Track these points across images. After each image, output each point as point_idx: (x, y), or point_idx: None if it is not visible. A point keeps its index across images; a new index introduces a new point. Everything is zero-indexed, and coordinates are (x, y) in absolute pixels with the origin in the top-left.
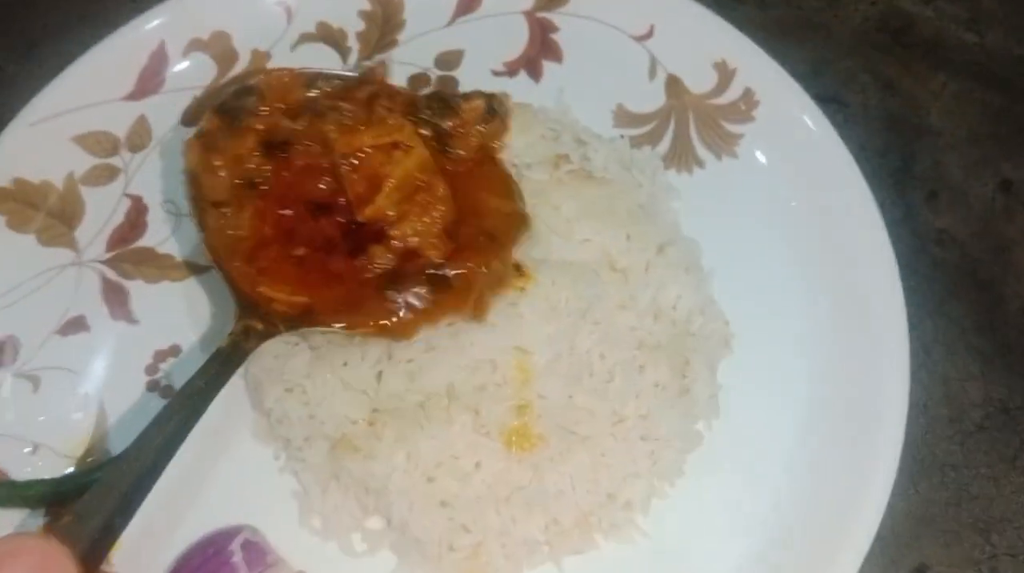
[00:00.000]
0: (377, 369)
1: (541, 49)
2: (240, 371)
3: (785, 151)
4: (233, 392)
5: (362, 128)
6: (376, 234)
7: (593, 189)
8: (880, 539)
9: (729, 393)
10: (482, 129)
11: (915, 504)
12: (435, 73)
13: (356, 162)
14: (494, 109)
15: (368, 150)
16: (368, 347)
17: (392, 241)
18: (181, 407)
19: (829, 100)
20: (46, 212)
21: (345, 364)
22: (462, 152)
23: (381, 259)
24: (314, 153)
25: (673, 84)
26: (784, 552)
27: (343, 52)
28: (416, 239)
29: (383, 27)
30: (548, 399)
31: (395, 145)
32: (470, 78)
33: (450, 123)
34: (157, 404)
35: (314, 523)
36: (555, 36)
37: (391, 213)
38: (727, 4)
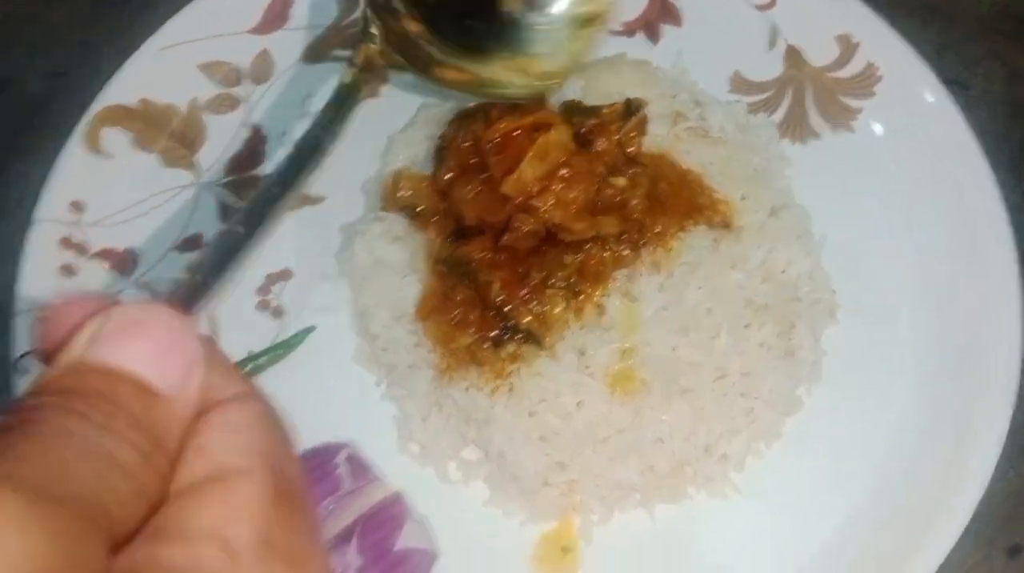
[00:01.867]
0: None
1: (660, 12)
2: (346, 297)
3: (904, 127)
4: (336, 320)
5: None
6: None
7: (710, 147)
8: (975, 518)
9: (832, 362)
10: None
11: (1013, 484)
12: None
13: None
14: (632, 110)
15: (513, 134)
16: None
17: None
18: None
19: (951, 83)
20: (169, 134)
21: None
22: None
23: (526, 224)
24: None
25: (793, 55)
26: (878, 523)
27: None
28: (559, 212)
29: None
30: (652, 347)
31: (536, 127)
32: None
33: (591, 122)
34: (266, 323)
35: (412, 448)
36: (674, 0)
37: (534, 189)
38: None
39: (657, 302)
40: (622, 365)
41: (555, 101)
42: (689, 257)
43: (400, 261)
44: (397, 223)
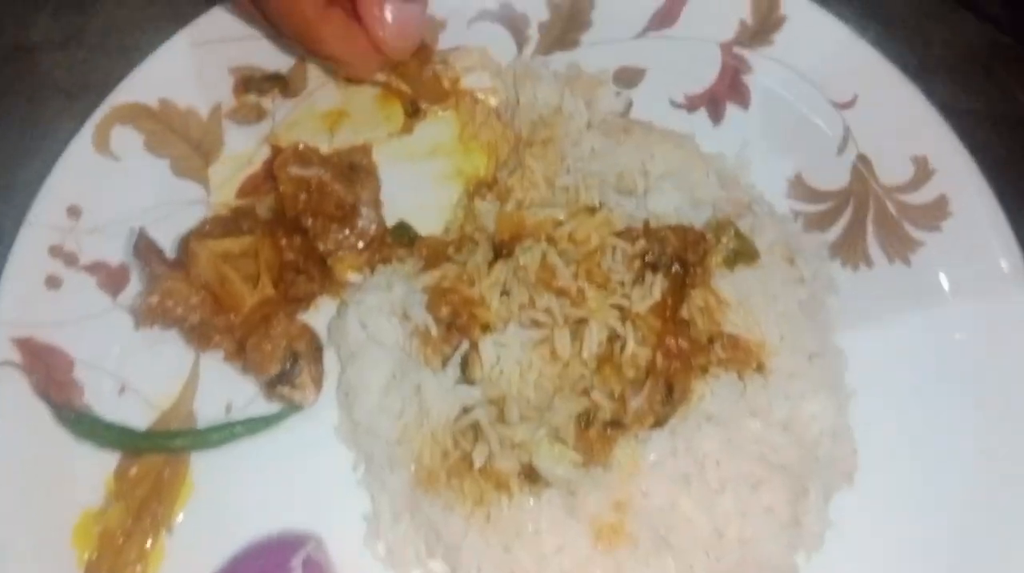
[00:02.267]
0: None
1: (729, 89)
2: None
3: (965, 278)
4: (330, 382)
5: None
6: None
7: (753, 275)
8: None
9: (839, 528)
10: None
11: None
12: (612, 89)
13: None
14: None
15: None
16: None
17: None
18: None
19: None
20: (185, 140)
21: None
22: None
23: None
24: None
25: (862, 165)
26: None
27: (521, 40)
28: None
29: (568, 22)
30: (649, 499)
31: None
32: (645, 103)
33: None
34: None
35: (379, 549)
36: (747, 78)
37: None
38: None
39: (664, 447)
40: (613, 519)
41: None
42: (712, 405)
43: (395, 340)
44: (396, 295)
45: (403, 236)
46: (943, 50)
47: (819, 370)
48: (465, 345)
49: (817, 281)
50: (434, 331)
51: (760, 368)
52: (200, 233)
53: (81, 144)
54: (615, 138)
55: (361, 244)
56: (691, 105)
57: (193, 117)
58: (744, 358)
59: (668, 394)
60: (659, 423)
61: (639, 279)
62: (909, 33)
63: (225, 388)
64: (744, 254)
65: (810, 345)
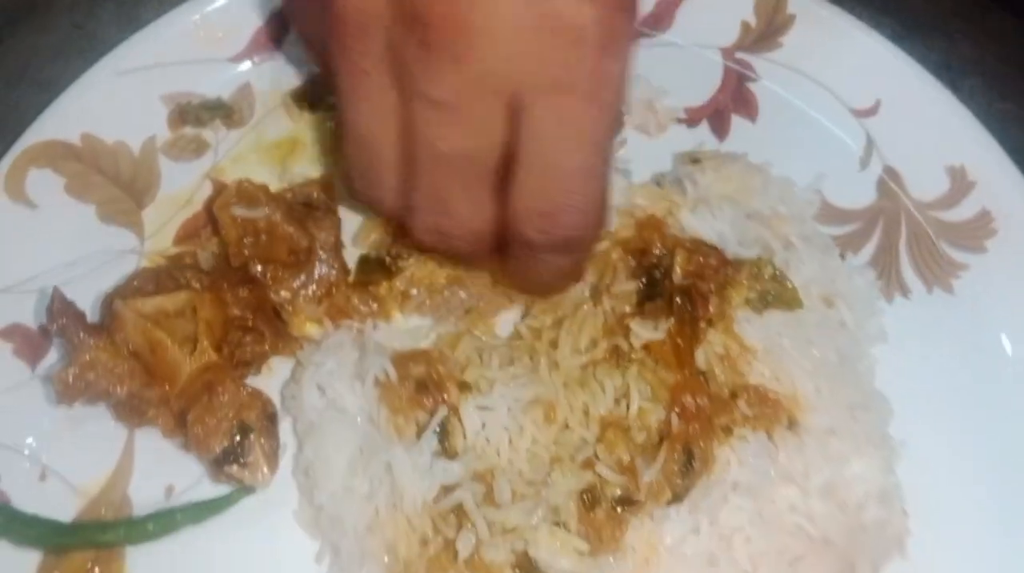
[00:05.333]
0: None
1: (734, 99)
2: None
3: (1018, 304)
4: (287, 459)
5: None
6: None
7: (787, 319)
8: None
9: None
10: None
11: None
12: None
13: None
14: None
15: None
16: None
17: None
18: None
19: None
20: (114, 181)
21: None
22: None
23: None
24: None
25: (890, 180)
26: None
27: None
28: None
29: None
30: None
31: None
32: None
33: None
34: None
35: None
36: (753, 86)
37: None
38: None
39: (685, 525)
40: None
41: None
42: (738, 473)
43: (360, 408)
44: (353, 356)
45: (372, 272)
46: (972, 49)
47: (863, 424)
48: (443, 411)
49: (862, 329)
50: (401, 390)
51: (793, 425)
52: (126, 290)
53: None
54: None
55: (320, 293)
56: (692, 119)
57: (122, 154)
58: (773, 414)
59: (687, 462)
60: (678, 498)
61: (639, 309)
62: (932, 31)
63: (164, 469)
64: (781, 300)
65: (851, 396)
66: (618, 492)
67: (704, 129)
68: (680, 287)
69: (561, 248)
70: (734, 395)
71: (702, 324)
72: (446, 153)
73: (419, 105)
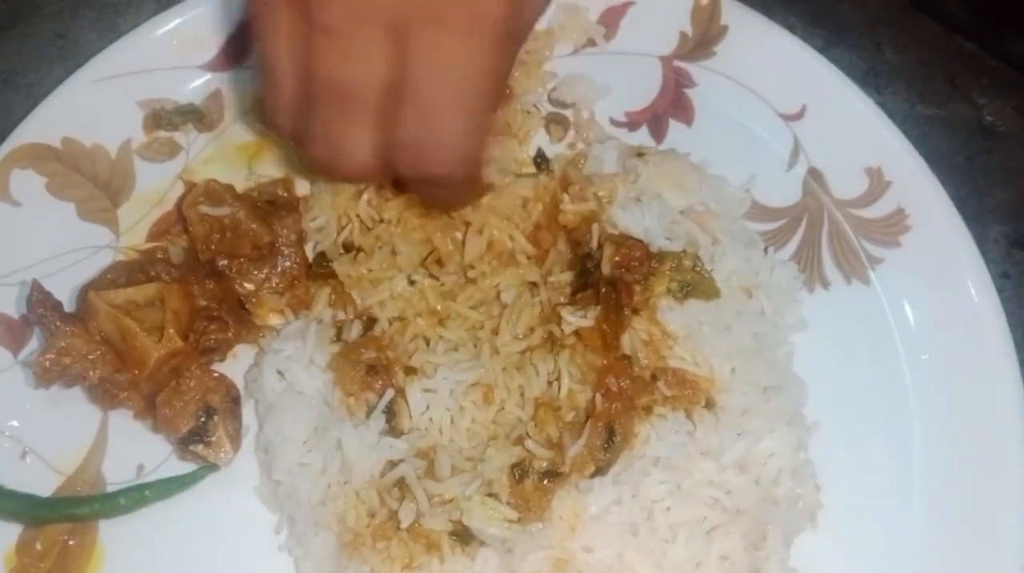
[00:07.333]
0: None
1: (671, 104)
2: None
3: (928, 295)
4: (249, 439)
5: None
6: None
7: (707, 307)
8: None
9: None
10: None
11: None
12: (546, 108)
13: None
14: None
15: None
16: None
17: None
18: None
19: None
20: (93, 181)
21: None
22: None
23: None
24: None
25: (814, 180)
26: None
27: None
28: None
29: None
30: (593, 553)
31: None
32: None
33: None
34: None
35: None
36: (690, 92)
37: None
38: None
39: (607, 497)
40: None
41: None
42: (658, 448)
43: (316, 391)
44: (317, 341)
45: (323, 267)
46: (897, 55)
47: (776, 404)
48: (391, 393)
49: (782, 317)
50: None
51: (710, 405)
52: (100, 283)
53: None
54: None
55: (283, 285)
56: (632, 123)
57: (100, 156)
58: (692, 395)
59: (609, 438)
60: (601, 471)
61: (572, 298)
62: (860, 39)
63: (135, 448)
64: (700, 290)
65: (766, 378)
66: (545, 465)
67: (643, 132)
68: (608, 278)
69: (432, 182)
70: (655, 377)
71: (627, 312)
72: (333, 80)
73: (314, 34)
